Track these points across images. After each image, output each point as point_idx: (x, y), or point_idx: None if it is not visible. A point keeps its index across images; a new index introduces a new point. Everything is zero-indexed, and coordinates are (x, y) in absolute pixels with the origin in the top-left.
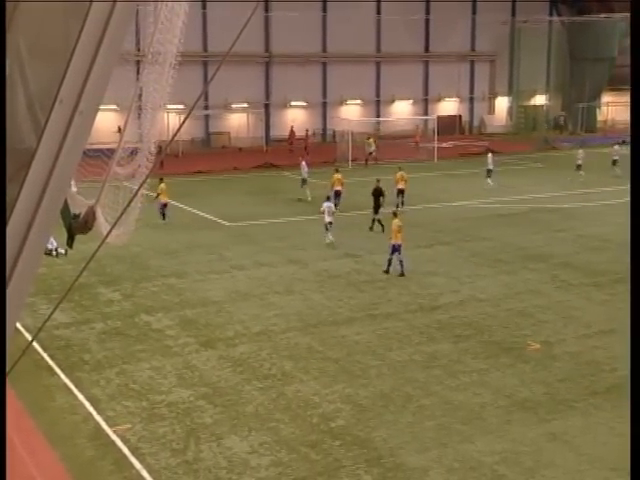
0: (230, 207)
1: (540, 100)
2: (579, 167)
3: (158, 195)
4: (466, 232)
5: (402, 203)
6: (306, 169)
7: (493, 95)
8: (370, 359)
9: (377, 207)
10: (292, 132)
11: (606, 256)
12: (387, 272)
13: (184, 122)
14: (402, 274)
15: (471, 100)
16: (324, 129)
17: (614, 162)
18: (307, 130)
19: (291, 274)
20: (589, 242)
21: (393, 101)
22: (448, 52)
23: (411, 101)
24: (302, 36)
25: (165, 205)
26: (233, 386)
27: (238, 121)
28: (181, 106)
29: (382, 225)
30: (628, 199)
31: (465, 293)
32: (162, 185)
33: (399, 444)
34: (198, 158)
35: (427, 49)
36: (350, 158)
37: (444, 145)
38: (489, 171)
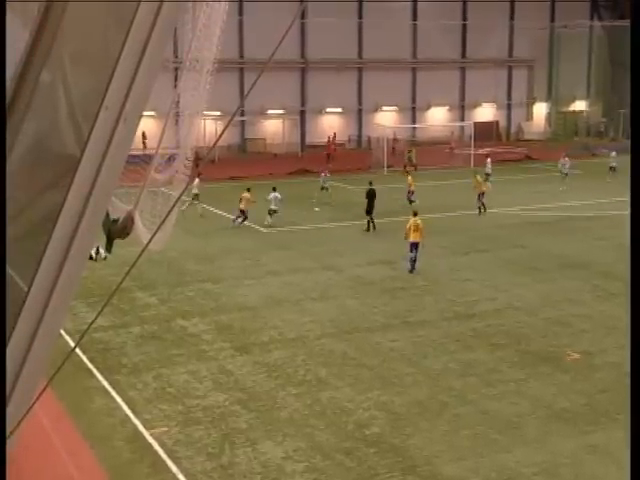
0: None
1: (580, 106)
2: (612, 169)
3: (250, 203)
4: (503, 239)
5: (483, 205)
6: (323, 177)
7: (531, 101)
8: (405, 367)
9: (370, 208)
10: (329, 140)
11: None
12: (411, 271)
13: (224, 131)
14: (411, 271)
15: (508, 106)
16: (359, 135)
17: (611, 168)
18: (329, 137)
19: (326, 280)
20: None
21: (429, 107)
22: (485, 58)
23: (447, 107)
24: (338, 42)
25: (242, 212)
26: (268, 391)
27: (274, 127)
28: (218, 113)
29: (374, 225)
30: None
31: (502, 301)
32: (246, 194)
33: (434, 453)
34: (234, 164)
35: (464, 55)
36: (385, 164)
37: (480, 152)
38: (487, 175)
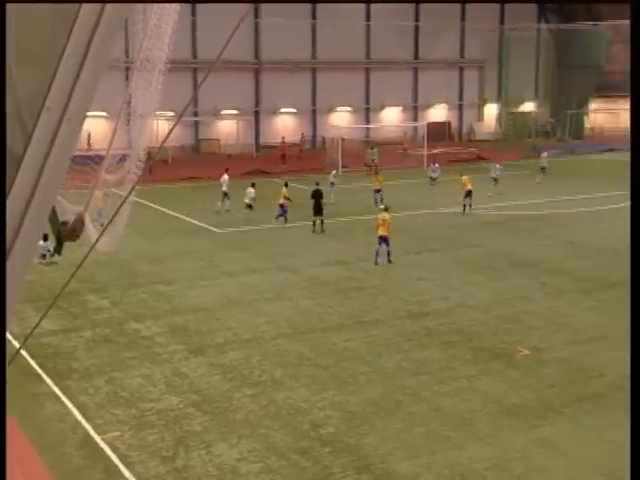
0: (220, 214)
1: (529, 107)
2: (542, 169)
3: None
4: (455, 239)
5: (469, 204)
6: (227, 181)
7: (482, 102)
8: (360, 366)
9: (317, 209)
10: (283, 141)
11: (593, 262)
12: (376, 264)
13: (173, 129)
14: (390, 261)
15: (460, 107)
16: (314, 136)
17: (542, 169)
18: (283, 137)
19: (281, 281)
20: (576, 248)
21: (383, 108)
22: (437, 59)
23: (401, 108)
24: (291, 43)
25: (282, 206)
26: (223, 393)
27: (228, 128)
28: (171, 113)
29: (322, 227)
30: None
31: (454, 300)
32: (284, 189)
33: (389, 451)
34: (188, 164)
35: (416, 56)
36: (340, 165)
37: (434, 152)
38: (432, 179)
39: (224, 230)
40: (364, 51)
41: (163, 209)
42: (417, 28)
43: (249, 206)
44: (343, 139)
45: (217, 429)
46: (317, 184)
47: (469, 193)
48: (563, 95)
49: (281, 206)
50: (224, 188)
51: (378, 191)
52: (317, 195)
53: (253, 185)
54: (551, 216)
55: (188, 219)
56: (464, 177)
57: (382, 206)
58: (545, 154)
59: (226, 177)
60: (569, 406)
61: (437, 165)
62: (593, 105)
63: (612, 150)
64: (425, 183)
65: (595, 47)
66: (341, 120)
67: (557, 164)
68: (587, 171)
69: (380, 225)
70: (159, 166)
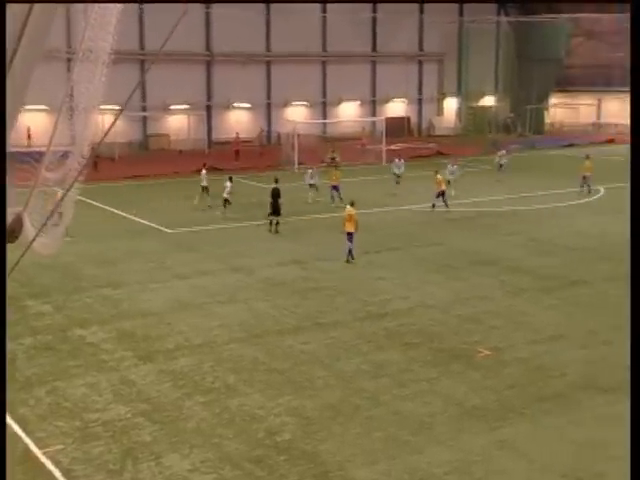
0: (170, 213)
1: (489, 101)
2: (501, 166)
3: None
4: (415, 237)
5: (446, 204)
6: (205, 177)
7: (442, 96)
8: (317, 370)
9: (275, 208)
10: (237, 136)
11: (553, 260)
12: (348, 261)
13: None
14: (348, 260)
15: (419, 101)
16: (269, 131)
17: (500, 166)
18: (237, 133)
19: (234, 282)
20: (537, 246)
21: (340, 102)
22: (396, 52)
23: (358, 102)
24: (245, 34)
25: (335, 187)
26: (173, 401)
27: (178, 123)
28: (117, 107)
29: (277, 228)
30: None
31: (414, 299)
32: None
33: (347, 457)
34: (136, 162)
35: (374, 49)
36: (296, 161)
37: (392, 147)
38: (397, 175)
39: (175, 230)
40: (320, 44)
41: (110, 208)
42: (375, 20)
43: (226, 201)
44: (299, 134)
45: (167, 439)
46: (276, 182)
47: (442, 193)
48: (523, 89)
49: (225, 201)
50: (203, 183)
51: (335, 188)
52: (275, 194)
53: (230, 179)
54: (511, 213)
55: (137, 219)
56: (439, 176)
57: (335, 203)
58: (503, 152)
59: (204, 172)
60: (530, 406)
61: (401, 160)
62: (553, 100)
63: (572, 145)
64: (385, 180)
65: (555, 40)
66: (297, 115)
67: (518, 160)
68: (547, 167)
69: (347, 221)
70: (105, 163)
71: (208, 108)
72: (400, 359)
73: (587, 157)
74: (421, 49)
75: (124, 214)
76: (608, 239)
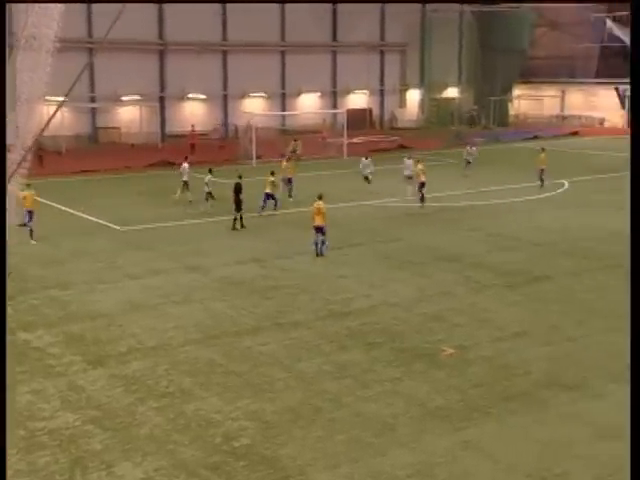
0: (122, 210)
1: (452, 93)
2: (468, 162)
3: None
4: (378, 233)
5: (422, 196)
6: (187, 170)
7: (404, 87)
8: (277, 371)
9: (238, 204)
10: (193, 129)
11: (517, 256)
12: (317, 255)
13: (54, 114)
14: (321, 254)
15: (381, 93)
16: (226, 124)
17: (468, 163)
18: (193, 125)
19: (190, 282)
20: (500, 241)
21: (299, 94)
22: (357, 42)
23: (319, 94)
24: (200, 22)
25: (289, 180)
26: (125, 407)
27: (130, 115)
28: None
29: (242, 223)
30: (536, 196)
31: (377, 298)
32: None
33: (308, 461)
34: (85, 156)
35: (335, 38)
36: (255, 155)
37: (354, 141)
38: (366, 177)
39: (127, 228)
40: (279, 33)
41: (57, 205)
42: (335, 9)
43: (209, 194)
44: (257, 127)
45: (119, 447)
46: (240, 177)
47: (423, 185)
48: (487, 80)
49: (272, 196)
50: (184, 177)
51: (289, 180)
52: (237, 189)
53: (210, 171)
54: (475, 207)
55: (86, 216)
56: (419, 167)
57: (289, 197)
58: (474, 149)
59: (186, 165)
60: (495, 406)
61: (369, 160)
62: (517, 91)
63: (536, 138)
64: (346, 174)
65: (519, 30)
66: (255, 107)
67: (482, 153)
68: (512, 160)
69: (315, 214)
70: (51, 157)
71: (161, 99)
72: (363, 359)
73: (542, 150)
74: (383, 39)
75: (72, 211)
76: (571, 234)
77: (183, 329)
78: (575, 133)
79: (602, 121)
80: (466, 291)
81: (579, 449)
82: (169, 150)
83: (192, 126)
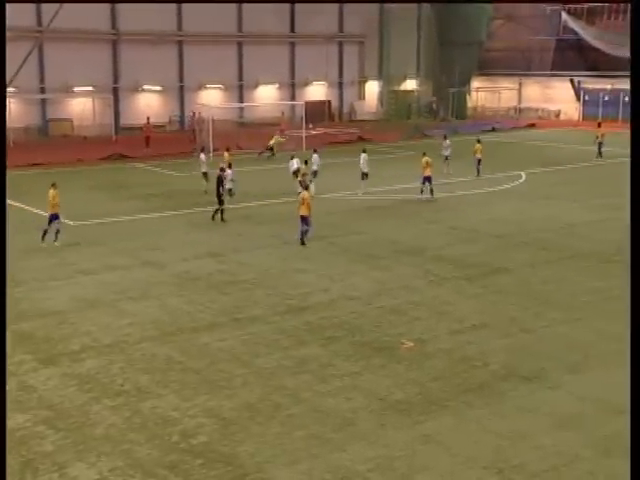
0: (74, 204)
1: (411, 85)
2: (446, 158)
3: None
4: (337, 226)
5: (423, 191)
6: (204, 161)
7: (363, 79)
8: (235, 367)
9: (220, 197)
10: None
11: (477, 248)
12: (303, 244)
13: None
14: (302, 243)
15: (340, 85)
16: (182, 116)
17: (446, 158)
18: (148, 118)
19: (146, 277)
20: (459, 234)
21: (257, 86)
22: (315, 33)
23: (277, 85)
24: (154, 12)
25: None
26: (79, 407)
27: (82, 107)
28: (12, 89)
29: (222, 217)
30: (495, 188)
31: (336, 291)
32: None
33: (267, 458)
34: (34, 149)
35: (293, 29)
36: (211, 148)
37: (313, 133)
38: (313, 174)
39: (80, 223)
40: (236, 23)
41: (7, 200)
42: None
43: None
44: (214, 119)
45: (72, 447)
46: (222, 170)
47: (428, 179)
48: (445, 72)
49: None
50: (203, 169)
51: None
52: (219, 181)
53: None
54: (436, 200)
55: (37, 211)
56: (425, 158)
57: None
58: (448, 142)
59: (203, 156)
60: (453, 399)
61: (316, 155)
62: (475, 83)
63: (494, 130)
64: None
65: (476, 22)
66: (212, 99)
67: (440, 146)
68: (469, 153)
69: (300, 204)
70: None
71: (115, 91)
72: (322, 354)
73: (478, 141)
74: (341, 30)
75: (22, 206)
76: (529, 225)
77: (139, 326)
78: (532, 125)
79: (558, 113)
80: (426, 284)
81: (536, 440)
82: (123, 143)
83: (147, 118)
